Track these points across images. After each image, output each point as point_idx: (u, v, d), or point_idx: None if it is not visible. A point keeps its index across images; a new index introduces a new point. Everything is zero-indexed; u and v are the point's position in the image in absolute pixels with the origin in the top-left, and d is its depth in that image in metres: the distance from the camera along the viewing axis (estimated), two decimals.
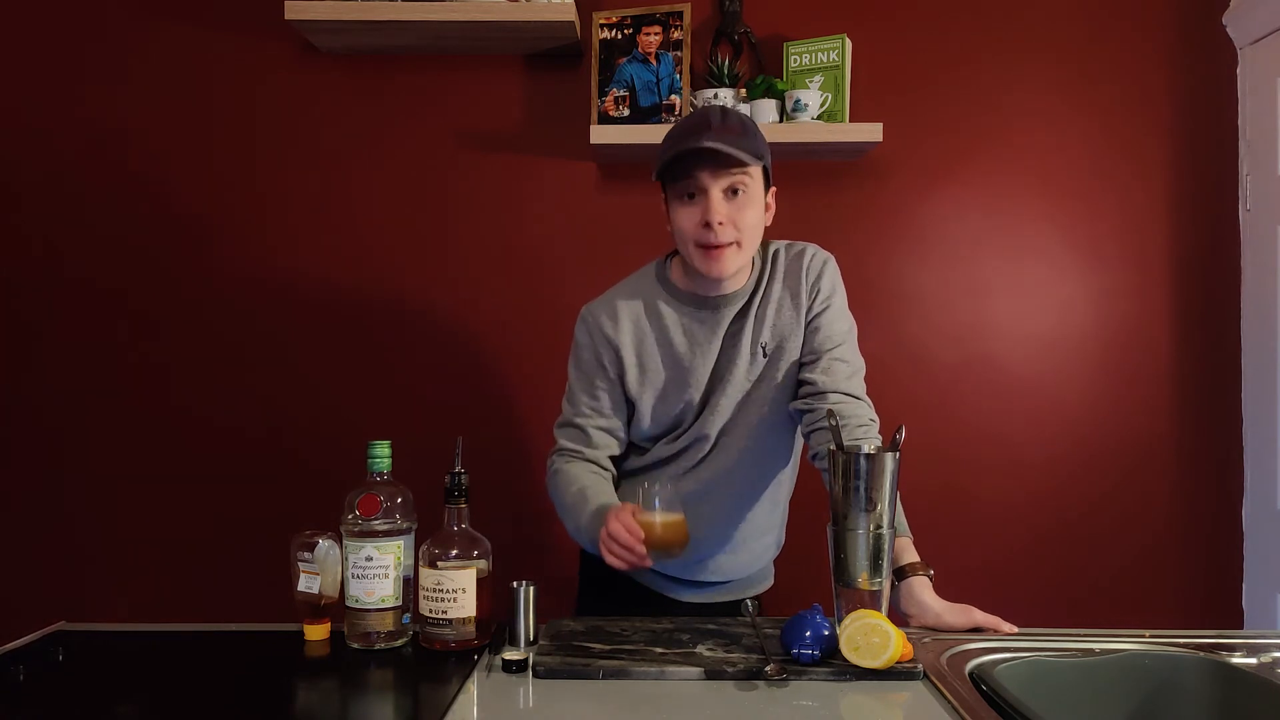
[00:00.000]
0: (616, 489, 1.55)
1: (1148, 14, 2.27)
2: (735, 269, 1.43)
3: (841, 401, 1.44)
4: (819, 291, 1.50)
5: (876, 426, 1.46)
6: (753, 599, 1.39)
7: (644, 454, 1.59)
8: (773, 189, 1.48)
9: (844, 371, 1.48)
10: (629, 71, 2.21)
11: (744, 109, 2.16)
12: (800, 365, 1.51)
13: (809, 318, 1.51)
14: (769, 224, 1.48)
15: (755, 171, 1.40)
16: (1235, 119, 2.27)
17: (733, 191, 1.39)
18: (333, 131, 2.29)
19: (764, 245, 1.55)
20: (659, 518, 1.27)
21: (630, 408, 1.55)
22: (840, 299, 1.53)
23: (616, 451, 1.57)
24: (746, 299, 1.51)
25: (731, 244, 1.40)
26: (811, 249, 1.54)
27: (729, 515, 1.58)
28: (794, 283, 1.51)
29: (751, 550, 1.63)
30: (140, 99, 2.29)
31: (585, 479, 1.48)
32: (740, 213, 1.39)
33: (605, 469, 1.55)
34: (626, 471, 1.62)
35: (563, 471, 1.52)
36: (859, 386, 1.49)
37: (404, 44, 2.23)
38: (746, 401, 1.52)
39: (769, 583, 1.72)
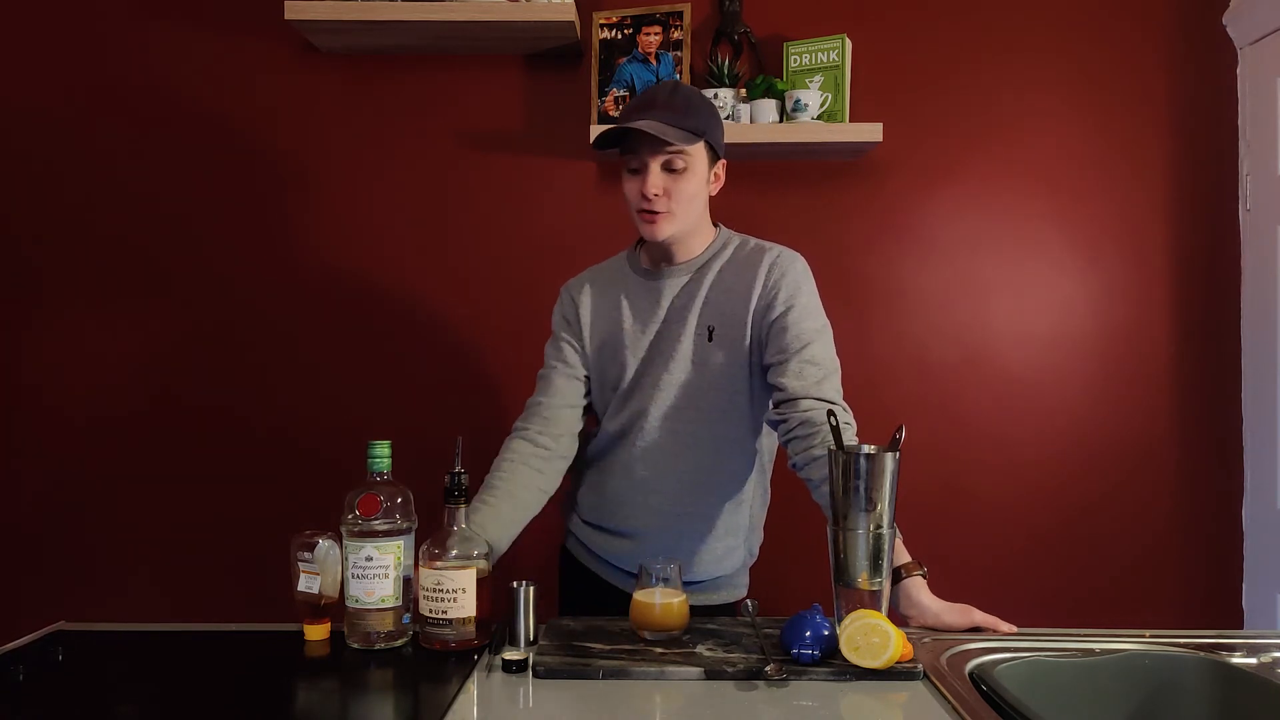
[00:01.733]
0: (562, 499, 1.61)
1: (1148, 14, 2.27)
2: (669, 233, 1.51)
3: (814, 407, 1.43)
4: (779, 291, 1.51)
5: (853, 430, 1.44)
6: (751, 600, 1.39)
7: (603, 442, 1.63)
8: (722, 161, 1.56)
9: (815, 375, 1.46)
10: (629, 71, 2.22)
11: (744, 109, 2.16)
12: (768, 368, 1.51)
13: (771, 318, 1.51)
14: (714, 193, 1.56)
15: (695, 149, 1.48)
16: (1235, 119, 2.27)
17: (670, 167, 1.47)
18: (332, 132, 2.29)
19: (733, 235, 1.61)
20: (659, 598, 1.25)
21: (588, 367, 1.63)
22: (807, 299, 1.52)
23: (576, 400, 1.61)
24: (693, 274, 1.57)
25: (667, 212, 1.50)
26: (778, 250, 1.56)
27: (683, 507, 1.58)
28: (749, 276, 1.54)
29: (712, 551, 1.60)
30: (141, 98, 2.29)
31: (502, 477, 1.51)
32: (676, 185, 1.49)
33: (550, 440, 1.57)
34: (592, 458, 1.66)
35: (503, 449, 1.56)
36: (832, 390, 1.47)
37: (404, 44, 2.23)
38: (691, 385, 1.55)
39: (741, 592, 1.68)
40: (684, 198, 1.49)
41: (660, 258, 1.58)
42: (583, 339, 1.61)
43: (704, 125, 1.48)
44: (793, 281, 1.52)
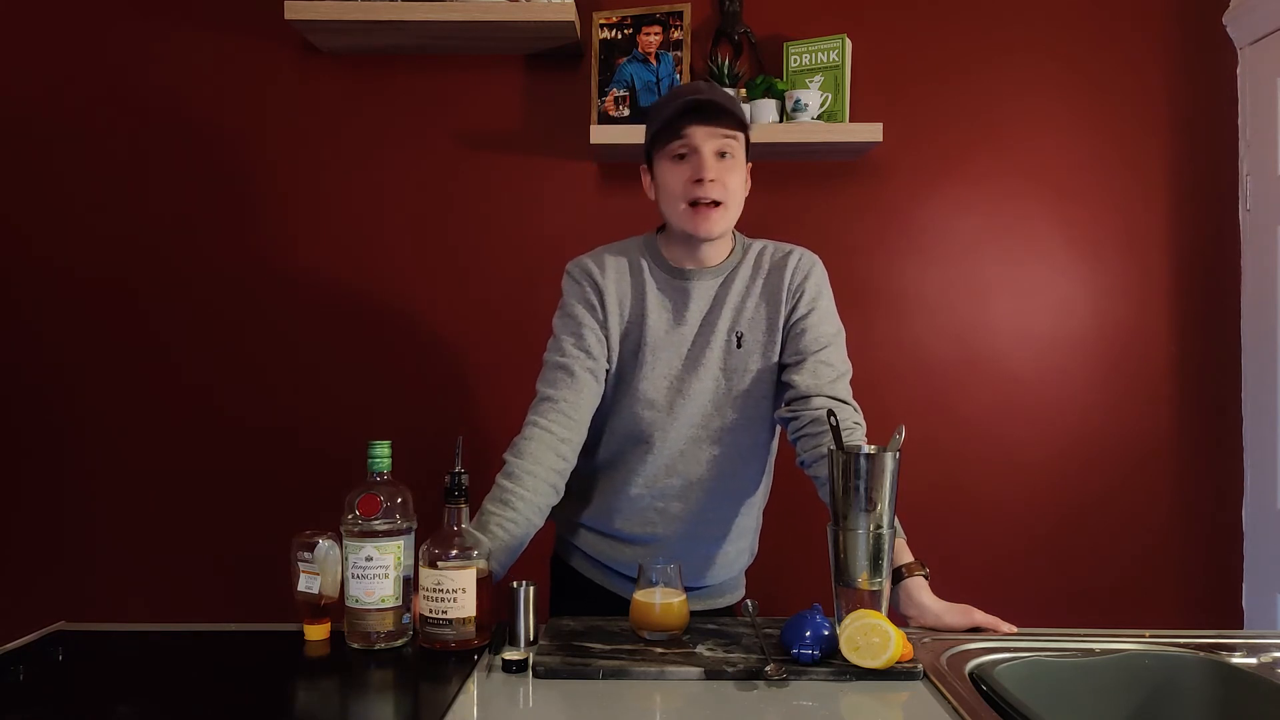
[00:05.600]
0: (569, 484, 1.49)
1: (1148, 14, 2.27)
2: (721, 230, 1.47)
3: (826, 406, 1.43)
4: (803, 294, 1.51)
5: (863, 430, 1.45)
6: (751, 600, 1.39)
7: (615, 444, 1.55)
8: (749, 164, 1.52)
9: (828, 375, 1.47)
10: (629, 71, 2.22)
11: (744, 109, 2.16)
12: (784, 368, 1.51)
13: (793, 320, 1.50)
14: (746, 194, 1.53)
15: (741, 139, 1.46)
16: (1235, 119, 2.27)
17: (721, 154, 1.44)
18: (333, 132, 2.29)
19: (748, 240, 1.58)
20: (659, 598, 1.25)
21: (608, 361, 1.52)
22: (826, 302, 1.53)
23: (597, 398, 1.51)
24: (723, 280, 1.52)
25: (719, 204, 1.44)
26: (799, 252, 1.54)
27: (703, 515, 1.56)
28: (775, 282, 1.51)
29: (725, 555, 1.60)
30: (141, 99, 2.29)
31: (522, 489, 1.40)
32: (728, 174, 1.44)
33: (570, 450, 1.46)
34: (602, 463, 1.58)
35: (520, 451, 1.43)
36: (844, 390, 1.48)
37: (404, 44, 2.23)
38: (719, 393, 1.51)
39: (740, 593, 1.68)
40: (734, 189, 1.44)
41: (687, 258, 1.52)
42: (608, 327, 1.51)
43: (746, 119, 1.47)
44: (815, 285, 1.52)
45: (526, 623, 1.25)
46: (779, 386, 1.53)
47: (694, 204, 1.44)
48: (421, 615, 1.24)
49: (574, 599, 1.63)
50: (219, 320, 2.29)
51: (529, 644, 1.24)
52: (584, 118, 2.26)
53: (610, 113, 2.20)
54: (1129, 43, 2.27)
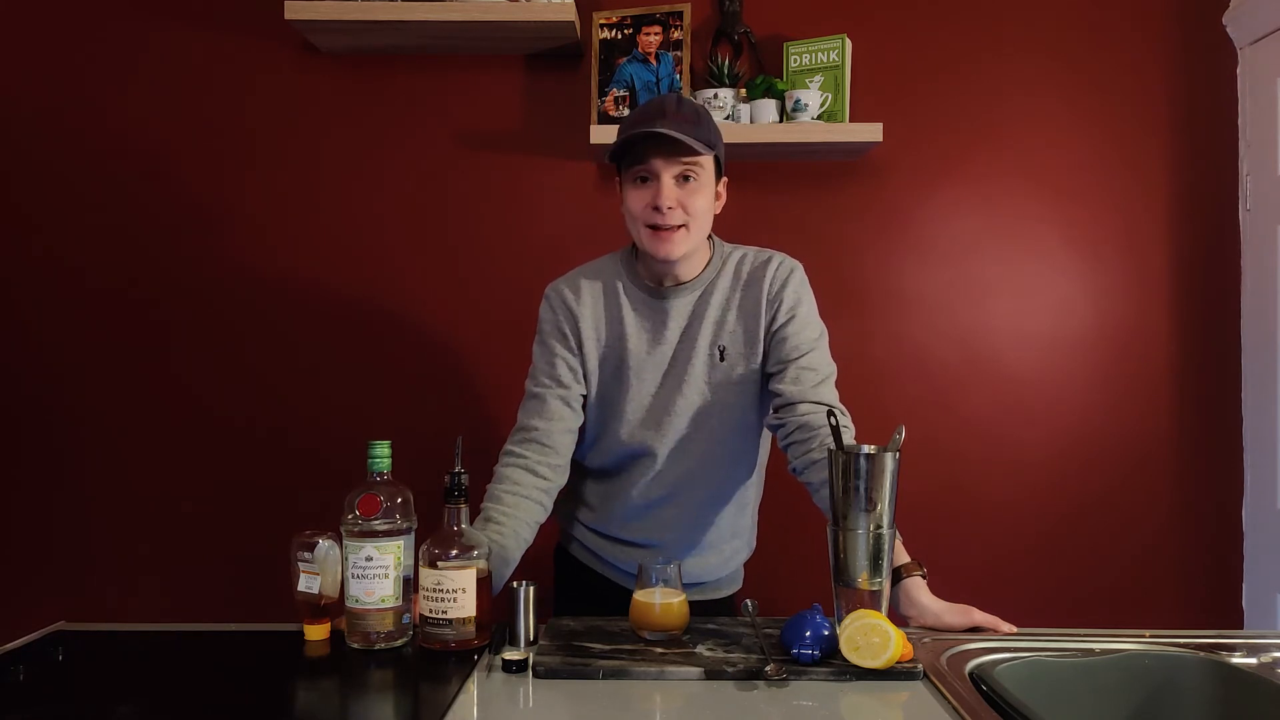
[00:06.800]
0: (558, 499, 1.54)
1: (1148, 14, 2.27)
2: (683, 251, 1.46)
3: (812, 411, 1.44)
4: (782, 302, 1.51)
5: (851, 433, 1.45)
6: (751, 600, 1.39)
7: (607, 459, 1.59)
8: (724, 180, 1.51)
9: (811, 380, 1.48)
10: (629, 71, 2.22)
11: (744, 109, 2.16)
12: (769, 376, 1.52)
13: (774, 329, 1.51)
14: (718, 212, 1.51)
15: (706, 160, 1.44)
16: (1235, 119, 2.27)
17: (683, 178, 1.43)
18: (332, 132, 2.29)
19: (728, 248, 1.57)
20: (658, 598, 1.25)
21: (587, 383, 1.55)
22: (806, 308, 1.53)
23: (573, 424, 1.54)
24: (700, 294, 1.52)
25: (680, 227, 1.43)
26: (778, 259, 1.54)
27: (696, 519, 1.59)
28: (755, 292, 1.52)
29: (720, 553, 1.63)
30: (141, 99, 2.28)
31: (504, 506, 1.44)
32: (690, 198, 1.43)
33: (550, 470, 1.50)
34: (595, 472, 1.63)
35: (500, 478, 1.49)
36: (828, 393, 1.49)
37: (404, 44, 2.23)
38: (706, 406, 1.53)
39: (738, 586, 1.72)
40: (698, 211, 1.43)
41: (663, 275, 1.52)
42: (583, 354, 1.54)
43: (714, 138, 1.44)
44: (793, 292, 1.52)
45: (526, 623, 1.25)
46: (765, 393, 1.54)
47: (654, 228, 1.44)
48: (421, 615, 1.24)
49: (578, 589, 1.68)
50: (219, 320, 2.29)
51: (529, 644, 1.25)
52: (584, 118, 2.25)
53: (610, 113, 2.20)
54: (1129, 43, 2.27)
